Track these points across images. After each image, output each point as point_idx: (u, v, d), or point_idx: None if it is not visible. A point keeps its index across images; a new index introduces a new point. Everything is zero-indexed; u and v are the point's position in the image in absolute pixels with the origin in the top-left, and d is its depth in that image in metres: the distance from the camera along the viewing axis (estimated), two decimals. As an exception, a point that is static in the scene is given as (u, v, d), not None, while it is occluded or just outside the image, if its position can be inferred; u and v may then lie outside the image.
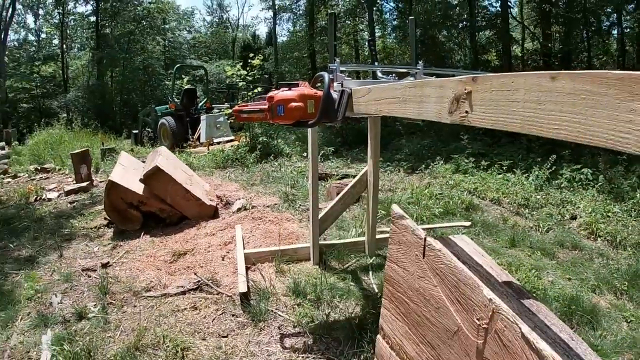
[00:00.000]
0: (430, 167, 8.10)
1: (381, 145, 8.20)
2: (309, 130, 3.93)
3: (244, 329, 3.38)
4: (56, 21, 33.80)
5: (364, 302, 3.74)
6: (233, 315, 3.55)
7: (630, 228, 5.74)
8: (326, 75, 2.79)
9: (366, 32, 24.57)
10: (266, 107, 2.85)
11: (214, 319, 3.50)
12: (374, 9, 22.21)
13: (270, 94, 2.89)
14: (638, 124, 0.93)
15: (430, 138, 10.41)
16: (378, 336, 2.70)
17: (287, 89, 2.89)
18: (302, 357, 3.10)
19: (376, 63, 3.75)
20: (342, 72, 2.94)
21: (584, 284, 4.49)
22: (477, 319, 1.69)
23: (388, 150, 9.80)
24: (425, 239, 1.92)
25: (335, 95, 2.74)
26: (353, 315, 3.55)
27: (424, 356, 2.12)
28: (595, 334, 3.66)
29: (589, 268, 4.82)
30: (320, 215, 4.22)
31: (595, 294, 4.36)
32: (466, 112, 1.52)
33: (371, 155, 4.07)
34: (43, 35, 35.45)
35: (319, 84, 2.92)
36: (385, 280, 2.38)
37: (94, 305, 3.71)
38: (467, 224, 5.52)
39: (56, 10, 33.30)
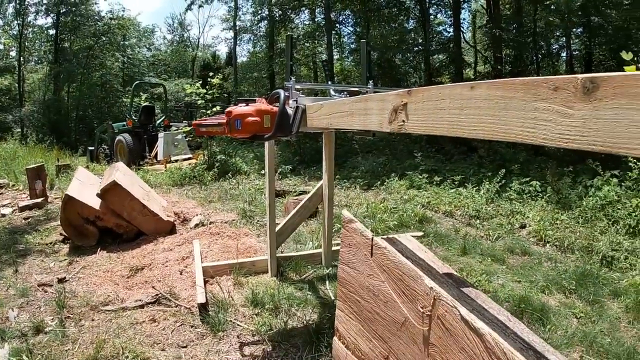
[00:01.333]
0: (386, 183, 8.33)
1: (338, 163, 8.34)
2: (266, 144, 4.07)
3: (203, 339, 3.44)
4: (15, 32, 32.80)
5: (321, 309, 3.87)
6: (192, 327, 3.60)
7: (577, 234, 6.05)
8: (282, 92, 2.95)
9: (325, 55, 25.00)
10: (224, 121, 2.98)
11: (173, 331, 3.54)
12: (333, 32, 22.66)
13: (229, 109, 3.02)
14: (540, 119, 1.12)
15: (385, 156, 10.69)
16: (334, 338, 2.83)
17: (244, 104, 3.03)
18: None
19: (329, 82, 3.94)
20: (297, 90, 3.10)
21: (534, 285, 4.72)
22: (421, 307, 1.84)
23: (345, 169, 10.01)
24: (372, 239, 2.08)
25: (290, 110, 2.90)
26: (310, 321, 3.67)
27: (377, 351, 2.27)
28: (545, 329, 3.86)
29: (538, 271, 5.07)
30: (277, 228, 4.34)
31: (545, 294, 4.60)
32: (403, 121, 1.70)
33: (326, 169, 4.24)
34: (0, 47, 34.36)
35: (275, 101, 3.07)
36: (338, 282, 2.52)
37: (52, 319, 3.68)
38: (420, 234, 5.73)
39: (15, 21, 32.32)
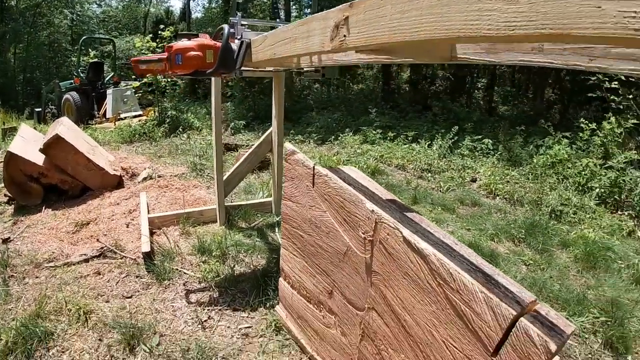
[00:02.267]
0: (340, 138, 8.29)
1: (293, 120, 8.18)
2: (212, 83, 3.91)
3: (149, 289, 3.35)
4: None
5: (269, 254, 3.82)
6: (137, 277, 3.50)
7: (527, 189, 6.20)
8: (226, 27, 2.79)
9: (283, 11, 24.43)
10: (165, 56, 2.81)
11: (117, 282, 3.43)
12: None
13: (170, 44, 2.85)
14: (484, 10, 1.04)
15: (340, 112, 10.60)
16: (280, 279, 2.78)
17: (186, 39, 2.87)
18: (208, 309, 3.13)
19: (278, 20, 3.78)
20: (243, 25, 2.95)
21: (483, 233, 4.81)
22: (363, 233, 1.78)
23: (300, 125, 9.89)
24: (314, 167, 2.00)
25: (234, 46, 2.75)
26: (258, 266, 3.62)
27: (320, 286, 2.22)
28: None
29: (488, 220, 5.16)
30: (225, 176, 4.21)
31: (494, 241, 4.69)
32: (344, 36, 1.59)
33: (276, 115, 4.11)
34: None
35: (221, 37, 2.91)
36: (282, 219, 2.45)
37: (-5, 279, 3.51)
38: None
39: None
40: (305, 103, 11.61)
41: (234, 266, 3.57)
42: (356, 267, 1.88)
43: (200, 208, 4.52)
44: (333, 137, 8.41)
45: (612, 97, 6.66)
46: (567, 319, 3.48)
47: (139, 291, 3.33)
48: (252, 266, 3.64)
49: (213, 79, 3.89)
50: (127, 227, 4.39)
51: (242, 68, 2.80)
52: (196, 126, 9.54)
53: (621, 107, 6.64)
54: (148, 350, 2.70)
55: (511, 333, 1.36)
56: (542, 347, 1.28)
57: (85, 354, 2.65)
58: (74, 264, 3.70)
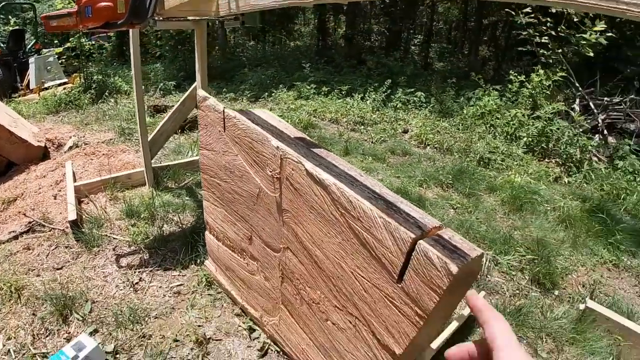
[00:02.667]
0: (274, 94, 8.16)
1: (227, 78, 7.96)
2: (131, 35, 3.73)
3: (79, 258, 3.27)
4: None
5: (198, 211, 3.79)
6: (67, 247, 3.40)
7: (457, 138, 6.36)
8: None
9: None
10: (74, 10, 2.65)
11: (47, 255, 3.33)
12: None
13: (80, -3, 2.69)
14: None
15: (274, 68, 10.40)
16: (206, 232, 2.75)
17: (97, -9, 2.70)
18: (139, 272, 3.10)
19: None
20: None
21: (412, 180, 4.91)
22: (271, 171, 1.77)
23: (233, 83, 9.63)
24: (224, 111, 1.96)
25: (146, -6, 2.63)
26: (188, 224, 3.60)
27: (241, 233, 2.21)
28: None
29: (417, 168, 5.26)
30: (150, 137, 4.08)
31: (423, 187, 4.81)
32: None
33: (199, 69, 3.95)
34: None
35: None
36: (201, 170, 2.41)
37: None
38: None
39: None
40: (239, 61, 11.32)
41: (162, 226, 3.53)
42: (269, 207, 1.88)
43: (127, 172, 4.38)
44: (267, 93, 8.26)
45: (541, 52, 6.83)
46: (494, 257, 3.68)
47: (69, 261, 3.24)
48: (181, 224, 3.60)
49: (131, 32, 3.71)
50: (55, 198, 4.23)
51: (157, 18, 2.69)
52: (124, 90, 9.15)
53: (550, 61, 6.83)
54: (81, 318, 2.67)
55: (412, 257, 1.37)
56: (443, 269, 1.29)
57: (20, 331, 2.59)
58: (3, 243, 3.55)
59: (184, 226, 3.58)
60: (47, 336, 2.57)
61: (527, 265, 3.69)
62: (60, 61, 11.21)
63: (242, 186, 2.01)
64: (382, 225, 1.43)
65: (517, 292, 3.41)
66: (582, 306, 3.12)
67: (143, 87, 8.78)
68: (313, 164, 1.61)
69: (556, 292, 3.47)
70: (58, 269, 3.16)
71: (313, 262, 1.76)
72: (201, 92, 2.12)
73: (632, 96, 7.23)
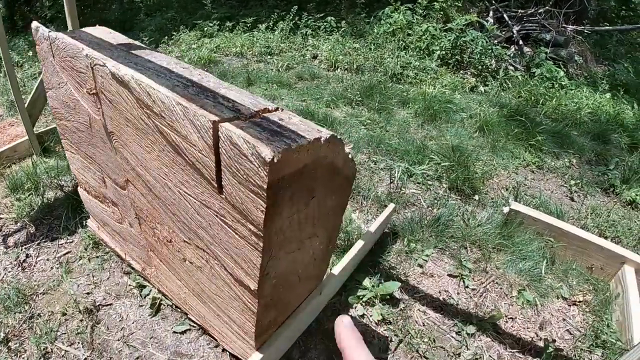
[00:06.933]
0: (174, 37, 7.55)
1: (126, 29, 7.33)
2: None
3: (-36, 252, 2.89)
4: None
5: (81, 169, 3.38)
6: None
7: (370, 59, 6.08)
8: None
9: None
10: None
11: None
12: None
13: None
14: None
15: (174, 10, 9.66)
16: (79, 189, 2.40)
17: None
18: (25, 248, 2.77)
19: None
20: None
21: (319, 101, 4.66)
22: (89, 89, 1.43)
23: (133, 32, 8.90)
24: (49, 36, 1.56)
25: None
26: (71, 186, 3.25)
27: (96, 176, 1.89)
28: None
29: (325, 90, 5.00)
30: (28, 100, 3.57)
31: (330, 108, 4.57)
32: None
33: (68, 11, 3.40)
34: None
35: None
36: (53, 116, 2.02)
37: None
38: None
39: None
40: (138, 10, 10.47)
41: (44, 192, 3.17)
42: (101, 136, 1.55)
43: (10, 145, 3.88)
44: (167, 37, 7.66)
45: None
46: (408, 168, 3.49)
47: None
48: (67, 187, 3.26)
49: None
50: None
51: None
52: (15, 61, 8.28)
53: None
54: None
55: (220, 149, 1.05)
56: (255, 158, 0.94)
57: None
58: None
59: (69, 189, 3.24)
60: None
61: (444, 173, 3.55)
62: None
63: (78, 119, 1.67)
64: (181, 114, 1.10)
65: (435, 201, 3.26)
66: (506, 209, 2.96)
67: (31, 55, 7.99)
68: (120, 62, 1.28)
69: (477, 197, 3.34)
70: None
71: (149, 191, 1.48)
72: (34, 24, 1.67)
73: (548, 7, 7.14)
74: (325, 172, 1.18)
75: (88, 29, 1.75)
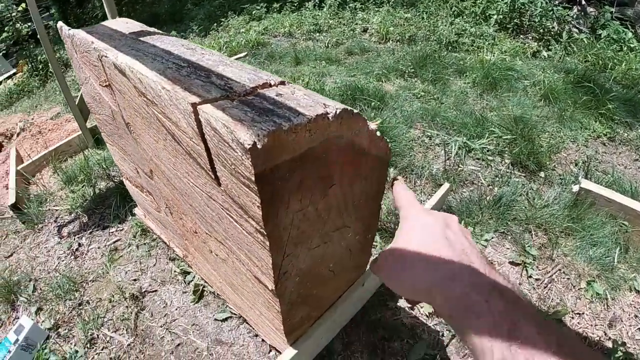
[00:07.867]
0: (223, 24, 7.60)
1: (176, 20, 7.51)
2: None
3: (26, 240, 3.07)
4: None
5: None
6: (15, 233, 3.17)
7: (422, 28, 5.85)
8: None
9: None
10: None
11: (-1, 247, 3.13)
12: None
13: None
14: None
15: (221, -3, 9.81)
16: (122, 178, 2.49)
17: None
18: (78, 237, 2.92)
19: None
20: None
21: (369, 76, 4.49)
22: (102, 81, 1.43)
23: (184, 22, 9.06)
24: (69, 33, 1.56)
25: None
26: (119, 175, 3.39)
27: (132, 167, 1.91)
28: (386, 113, 3.69)
29: (375, 64, 4.82)
30: (78, 96, 3.73)
31: (382, 82, 4.40)
32: None
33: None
34: None
35: None
36: (90, 111, 2.06)
37: None
38: (243, 54, 5.38)
39: None
40: (186, 1, 10.65)
41: (96, 183, 3.31)
42: (124, 127, 1.53)
43: (65, 140, 4.10)
44: (216, 24, 7.74)
45: None
46: (465, 143, 3.28)
47: (18, 246, 3.04)
48: (116, 178, 3.37)
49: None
50: (7, 189, 4.02)
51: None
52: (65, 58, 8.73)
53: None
54: (26, 300, 2.50)
55: (205, 135, 0.92)
56: (235, 143, 0.78)
57: (-26, 328, 2.43)
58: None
59: (116, 179, 3.36)
60: (-1, 327, 2.43)
61: (506, 147, 3.29)
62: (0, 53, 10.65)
63: (104, 112, 1.66)
64: (167, 98, 0.99)
65: (496, 179, 3.01)
66: (575, 187, 2.69)
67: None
68: (122, 51, 1.23)
69: (542, 174, 3.05)
70: (8, 257, 2.98)
71: (168, 181, 1.42)
72: (59, 24, 1.68)
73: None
74: (344, 155, 0.99)
75: (107, 22, 1.74)
